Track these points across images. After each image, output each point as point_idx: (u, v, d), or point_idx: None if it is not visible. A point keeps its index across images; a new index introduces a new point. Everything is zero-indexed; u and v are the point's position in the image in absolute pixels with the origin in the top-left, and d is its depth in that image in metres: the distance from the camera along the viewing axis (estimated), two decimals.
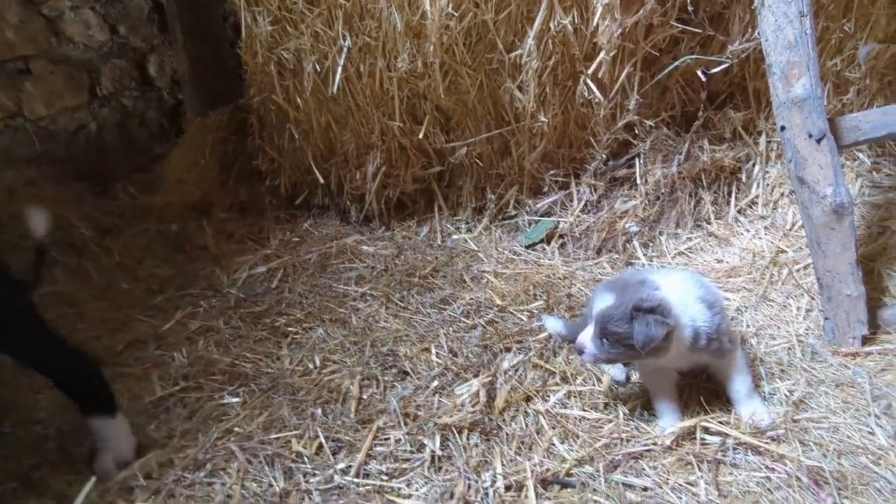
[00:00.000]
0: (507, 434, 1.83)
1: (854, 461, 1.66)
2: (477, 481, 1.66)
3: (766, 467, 1.65)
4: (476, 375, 2.01)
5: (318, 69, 2.61)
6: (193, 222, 2.96)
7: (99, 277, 2.58)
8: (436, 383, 2.00)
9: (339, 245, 2.81)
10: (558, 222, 2.83)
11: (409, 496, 1.65)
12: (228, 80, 3.23)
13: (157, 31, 3.24)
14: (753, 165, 2.72)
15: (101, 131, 3.09)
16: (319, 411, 1.92)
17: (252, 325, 2.33)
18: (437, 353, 2.13)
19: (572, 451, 1.75)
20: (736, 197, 2.72)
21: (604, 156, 2.77)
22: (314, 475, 1.72)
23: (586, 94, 2.60)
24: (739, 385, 1.82)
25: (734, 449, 1.70)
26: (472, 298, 2.43)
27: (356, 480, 1.70)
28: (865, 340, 2.04)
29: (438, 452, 1.76)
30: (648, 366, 1.80)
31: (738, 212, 2.69)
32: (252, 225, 2.99)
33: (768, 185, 2.71)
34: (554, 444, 1.79)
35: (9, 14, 2.62)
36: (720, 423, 1.76)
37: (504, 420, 1.88)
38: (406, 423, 1.86)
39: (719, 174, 2.73)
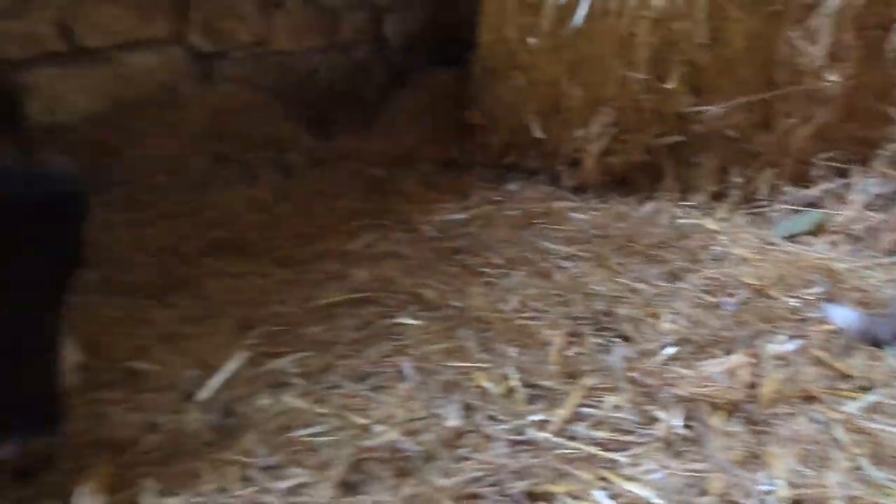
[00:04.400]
0: (783, 435, 1.15)
1: None
2: (749, 482, 1.01)
3: None
4: (728, 353, 1.36)
5: (562, 3, 2.18)
6: (397, 170, 2.64)
7: (298, 199, 2.33)
8: (670, 351, 1.38)
9: (545, 207, 2.31)
10: (829, 215, 2.06)
11: (635, 479, 1.05)
12: (456, 42, 2.95)
13: None
14: None
15: (332, 78, 2.95)
16: (513, 352, 1.40)
17: (441, 259, 1.89)
18: (671, 320, 1.51)
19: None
20: None
21: None
22: (500, 421, 1.19)
23: None
24: None
25: None
26: (712, 275, 1.77)
27: (556, 440, 1.14)
28: None
29: (679, 431, 1.13)
30: None
31: None
32: (455, 179, 2.60)
33: None
34: (860, 468, 1.07)
35: None
36: None
37: (775, 416, 1.20)
38: (627, 389, 1.27)
39: None
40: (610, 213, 2.29)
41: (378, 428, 1.15)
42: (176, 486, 1.00)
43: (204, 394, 1.20)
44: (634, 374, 1.30)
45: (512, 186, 2.54)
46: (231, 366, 1.26)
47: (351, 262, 1.87)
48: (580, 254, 1.97)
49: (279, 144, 2.56)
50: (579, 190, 2.50)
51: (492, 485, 1.03)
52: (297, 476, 1.04)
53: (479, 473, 1.05)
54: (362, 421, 1.17)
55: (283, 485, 1.02)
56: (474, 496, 1.01)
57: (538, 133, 2.43)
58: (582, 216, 2.26)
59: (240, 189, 2.28)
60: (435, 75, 3.01)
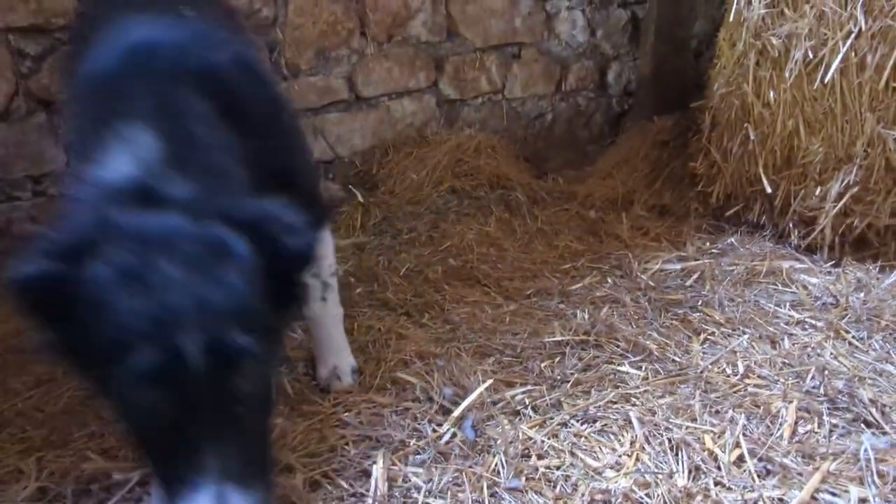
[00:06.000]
0: None
1: None
2: None
3: None
4: None
5: (810, 57, 2.03)
6: (611, 214, 2.66)
7: (521, 235, 2.46)
8: None
9: (770, 265, 2.15)
10: None
11: None
12: (681, 90, 2.88)
13: (626, 41, 3.09)
14: None
15: (554, 123, 3.06)
16: (741, 419, 1.35)
17: (661, 312, 1.87)
18: None
19: None
20: None
21: None
22: (729, 489, 1.16)
23: None
24: None
25: None
26: None
27: None
28: None
29: None
30: None
31: None
32: (670, 228, 2.53)
33: None
34: None
35: (522, 5, 2.75)
36: None
37: None
38: (876, 484, 1.15)
39: None
40: (846, 280, 2.06)
41: (609, 473, 1.19)
42: (442, 489, 1.14)
43: (457, 411, 1.35)
44: (885, 468, 1.17)
45: (731, 239, 2.40)
46: (480, 389, 1.39)
47: (572, 302, 1.93)
48: (811, 321, 1.81)
49: (505, 182, 2.73)
50: (808, 250, 2.28)
51: None
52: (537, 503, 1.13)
53: None
54: (593, 463, 1.22)
55: None
56: None
57: (767, 187, 2.27)
58: (812, 279, 2.06)
59: (471, 222, 2.48)
60: (653, 122, 2.96)
